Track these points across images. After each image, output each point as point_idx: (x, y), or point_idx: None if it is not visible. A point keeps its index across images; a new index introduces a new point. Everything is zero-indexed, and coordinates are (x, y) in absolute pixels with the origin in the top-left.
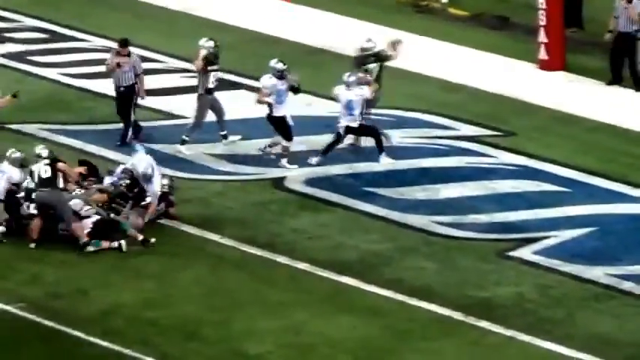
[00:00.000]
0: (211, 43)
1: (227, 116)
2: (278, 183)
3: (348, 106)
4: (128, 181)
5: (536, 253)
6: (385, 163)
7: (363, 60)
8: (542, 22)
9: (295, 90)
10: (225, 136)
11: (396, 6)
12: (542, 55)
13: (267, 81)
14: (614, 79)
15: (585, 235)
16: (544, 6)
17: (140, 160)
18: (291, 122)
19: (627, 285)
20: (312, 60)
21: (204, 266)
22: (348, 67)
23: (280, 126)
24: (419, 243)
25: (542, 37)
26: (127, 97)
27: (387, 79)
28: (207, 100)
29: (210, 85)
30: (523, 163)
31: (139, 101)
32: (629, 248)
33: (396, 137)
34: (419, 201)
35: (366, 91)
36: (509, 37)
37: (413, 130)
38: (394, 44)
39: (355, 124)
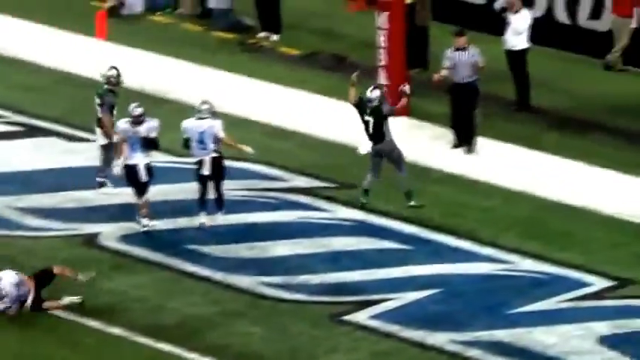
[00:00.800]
0: (114, 72)
1: (31, 166)
2: (90, 240)
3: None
4: None
5: (373, 317)
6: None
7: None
8: (383, 62)
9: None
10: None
11: (220, 45)
12: None
13: (121, 125)
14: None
15: (428, 298)
16: (384, 44)
17: None
18: (143, 176)
19: (473, 352)
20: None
21: (11, 330)
22: (169, 112)
23: (131, 177)
24: (246, 306)
25: (382, 78)
26: None
27: None
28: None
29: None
30: (361, 218)
31: None
32: (476, 312)
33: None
34: (245, 260)
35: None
36: (345, 78)
37: (238, 182)
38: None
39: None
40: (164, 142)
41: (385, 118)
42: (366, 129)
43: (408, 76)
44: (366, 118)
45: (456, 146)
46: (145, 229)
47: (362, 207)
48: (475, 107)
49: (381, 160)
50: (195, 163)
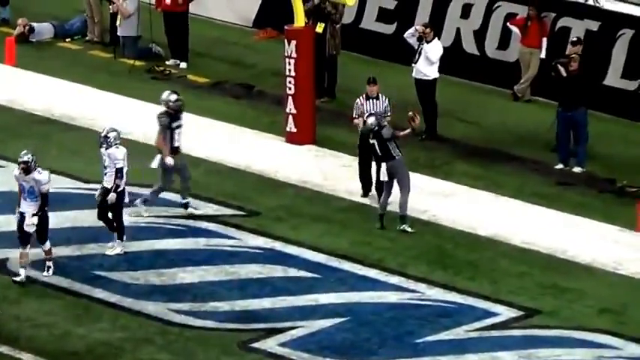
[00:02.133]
0: (174, 97)
1: None
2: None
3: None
4: None
5: (282, 344)
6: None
7: None
8: (291, 92)
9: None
10: (185, 206)
11: (130, 72)
12: (290, 127)
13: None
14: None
15: (336, 326)
16: (292, 73)
17: None
18: (28, 226)
19: None
20: (39, 129)
21: None
22: (76, 138)
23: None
24: (154, 332)
25: (290, 107)
26: None
27: None
28: (175, 159)
29: (176, 144)
30: (268, 245)
31: None
32: (384, 341)
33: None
34: (154, 286)
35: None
36: (253, 107)
37: (148, 208)
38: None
39: None
40: (72, 167)
41: (388, 140)
42: (375, 152)
43: (316, 105)
44: (371, 141)
45: (363, 196)
46: (17, 279)
47: (381, 228)
48: None
49: (393, 182)
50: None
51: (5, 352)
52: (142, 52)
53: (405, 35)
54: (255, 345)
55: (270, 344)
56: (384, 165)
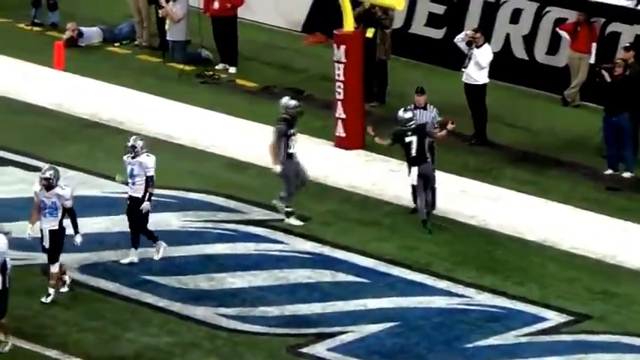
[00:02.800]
0: (293, 103)
1: None
2: (48, 269)
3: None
4: None
5: (331, 349)
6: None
7: None
8: (340, 96)
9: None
10: (288, 214)
11: (179, 76)
12: (339, 131)
13: (35, 187)
14: None
15: (386, 331)
16: (341, 78)
17: None
18: (46, 243)
19: None
20: (87, 133)
21: None
22: (124, 142)
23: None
24: (202, 337)
25: (339, 112)
26: None
27: (168, 156)
28: (292, 165)
29: (291, 150)
30: (317, 250)
31: None
32: (433, 346)
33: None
34: (202, 291)
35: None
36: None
37: (196, 213)
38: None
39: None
40: (120, 171)
41: (426, 137)
42: (409, 152)
43: (365, 109)
44: (408, 139)
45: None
46: (47, 300)
47: (430, 233)
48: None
49: (426, 184)
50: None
51: (54, 356)
52: (191, 56)
53: (456, 40)
54: (304, 350)
55: (319, 349)
56: (415, 169)
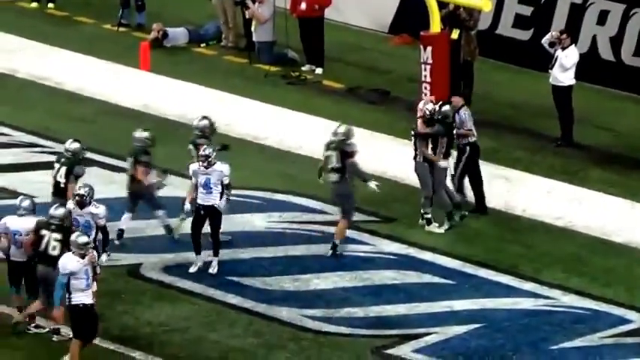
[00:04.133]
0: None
1: None
2: (133, 270)
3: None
4: None
5: (416, 351)
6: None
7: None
8: (426, 98)
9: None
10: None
11: (265, 77)
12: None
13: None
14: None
15: (471, 333)
16: (428, 79)
17: None
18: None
19: None
20: (174, 134)
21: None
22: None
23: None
24: (287, 338)
25: None
26: None
27: (254, 158)
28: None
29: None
30: (403, 251)
31: None
32: (519, 347)
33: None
34: (287, 292)
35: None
36: (388, 112)
37: (281, 214)
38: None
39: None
40: None
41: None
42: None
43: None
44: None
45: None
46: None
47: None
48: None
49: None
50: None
51: (139, 357)
52: (277, 57)
53: (543, 41)
54: (389, 351)
55: (404, 350)
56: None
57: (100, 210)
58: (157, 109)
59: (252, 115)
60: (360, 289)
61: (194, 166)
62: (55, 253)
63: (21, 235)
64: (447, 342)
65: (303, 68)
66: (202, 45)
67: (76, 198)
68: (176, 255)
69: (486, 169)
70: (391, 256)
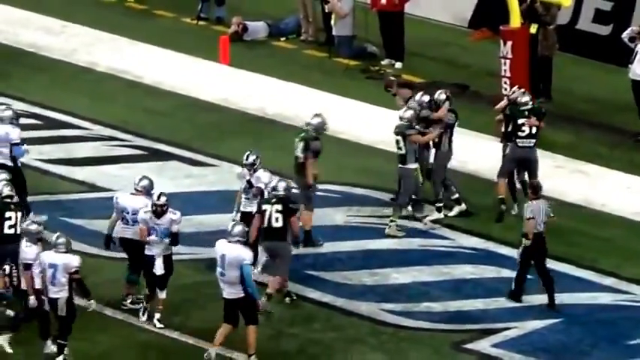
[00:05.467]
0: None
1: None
2: (212, 264)
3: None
4: None
5: (495, 345)
6: None
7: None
8: (506, 92)
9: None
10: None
11: (345, 71)
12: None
13: (142, 215)
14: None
15: (549, 327)
16: (507, 74)
17: None
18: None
19: None
20: (253, 128)
21: (131, 354)
22: (290, 137)
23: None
24: (366, 333)
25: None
26: None
27: (333, 152)
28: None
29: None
30: (482, 246)
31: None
32: (598, 342)
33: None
34: (367, 287)
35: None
36: (468, 107)
37: (360, 209)
38: None
39: None
40: (285, 166)
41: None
42: (519, 131)
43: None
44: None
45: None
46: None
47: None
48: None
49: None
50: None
51: (218, 351)
52: (356, 51)
53: (623, 36)
54: (468, 346)
55: (483, 345)
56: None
57: (178, 215)
58: (235, 102)
59: (331, 110)
60: (440, 284)
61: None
62: (279, 225)
63: (129, 213)
64: (525, 337)
65: (383, 62)
66: (282, 39)
67: (157, 208)
68: None
69: (566, 164)
70: (470, 251)
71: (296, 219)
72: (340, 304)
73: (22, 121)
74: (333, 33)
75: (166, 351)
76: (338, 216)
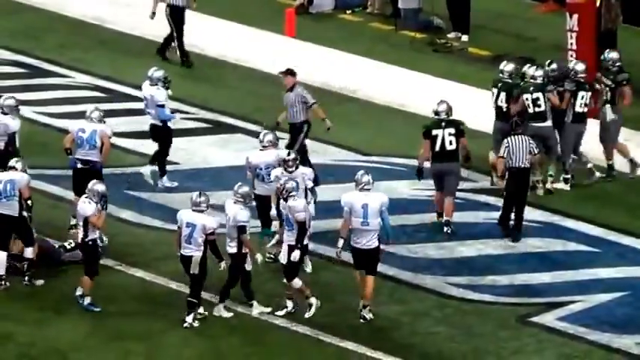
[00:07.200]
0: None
1: (218, 163)
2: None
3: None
4: None
5: (560, 319)
6: None
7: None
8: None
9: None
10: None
11: (411, 44)
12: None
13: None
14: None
15: (615, 301)
16: (574, 47)
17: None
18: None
19: None
20: (319, 101)
21: (193, 327)
22: (356, 110)
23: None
24: (431, 306)
25: None
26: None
27: (401, 126)
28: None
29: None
30: (547, 219)
31: None
32: None
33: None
34: (432, 260)
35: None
36: None
37: (426, 182)
38: None
39: None
40: (351, 140)
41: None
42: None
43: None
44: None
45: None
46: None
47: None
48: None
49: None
50: None
51: (281, 324)
52: (423, 24)
53: None
54: (534, 319)
55: (549, 318)
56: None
57: (299, 203)
58: (301, 75)
59: (397, 83)
60: (505, 257)
61: (277, 172)
62: (452, 147)
63: (261, 169)
64: (591, 310)
65: (449, 35)
66: (348, 12)
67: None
68: (318, 222)
69: (634, 137)
70: (536, 224)
71: (466, 140)
72: (406, 277)
73: (88, 93)
74: (399, 6)
75: (229, 325)
76: (404, 189)
